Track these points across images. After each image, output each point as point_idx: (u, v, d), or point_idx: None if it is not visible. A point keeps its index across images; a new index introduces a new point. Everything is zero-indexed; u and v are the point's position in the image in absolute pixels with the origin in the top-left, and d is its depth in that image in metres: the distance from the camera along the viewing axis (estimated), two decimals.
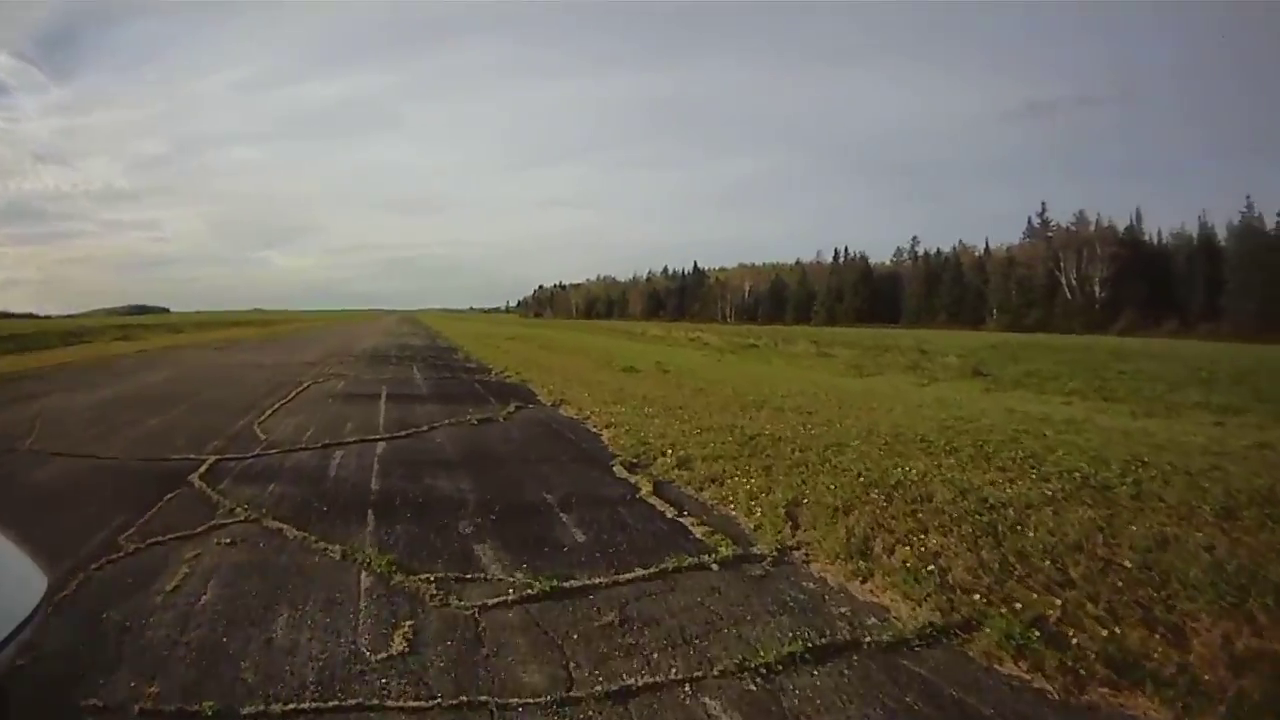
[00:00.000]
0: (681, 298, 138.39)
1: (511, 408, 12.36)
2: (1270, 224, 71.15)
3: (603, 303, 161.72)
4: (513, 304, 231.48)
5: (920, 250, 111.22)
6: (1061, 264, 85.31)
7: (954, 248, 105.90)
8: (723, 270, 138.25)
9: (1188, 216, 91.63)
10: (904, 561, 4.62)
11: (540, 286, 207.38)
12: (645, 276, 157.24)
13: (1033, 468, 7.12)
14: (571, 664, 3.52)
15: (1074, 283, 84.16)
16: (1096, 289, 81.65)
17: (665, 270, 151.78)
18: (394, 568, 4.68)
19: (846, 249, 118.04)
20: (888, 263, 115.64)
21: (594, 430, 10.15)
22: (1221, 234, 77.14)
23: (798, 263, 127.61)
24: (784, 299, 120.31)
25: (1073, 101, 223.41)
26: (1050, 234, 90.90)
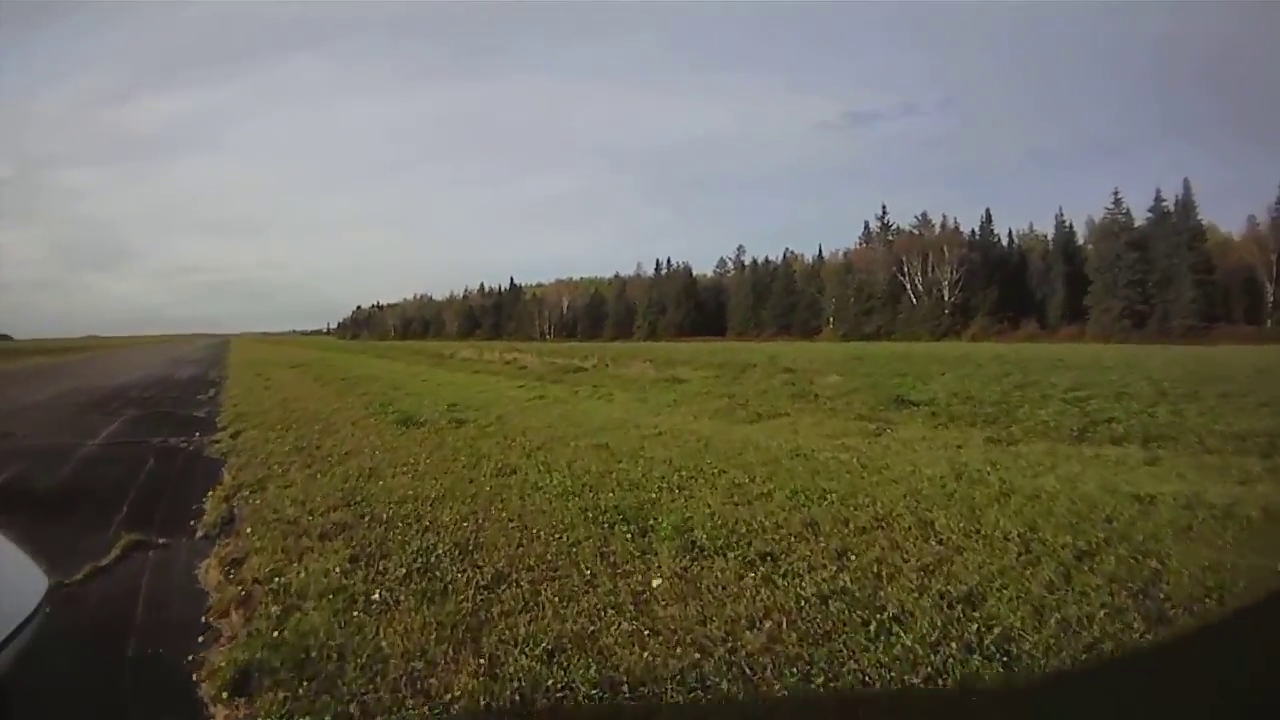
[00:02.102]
0: (498, 315, 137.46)
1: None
2: (1140, 219, 72.51)
3: (419, 322, 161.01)
4: (334, 325, 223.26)
5: (746, 260, 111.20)
6: (906, 268, 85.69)
7: (783, 255, 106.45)
8: (540, 286, 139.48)
9: (1035, 219, 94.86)
10: None
11: (359, 307, 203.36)
12: (462, 294, 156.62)
13: None
14: None
15: (920, 287, 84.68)
16: (945, 293, 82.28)
17: (481, 288, 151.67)
18: None
19: (669, 260, 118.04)
20: (710, 274, 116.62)
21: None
22: (1082, 233, 79.64)
23: (616, 276, 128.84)
24: (603, 314, 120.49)
25: (896, 111, 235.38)
26: (891, 238, 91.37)
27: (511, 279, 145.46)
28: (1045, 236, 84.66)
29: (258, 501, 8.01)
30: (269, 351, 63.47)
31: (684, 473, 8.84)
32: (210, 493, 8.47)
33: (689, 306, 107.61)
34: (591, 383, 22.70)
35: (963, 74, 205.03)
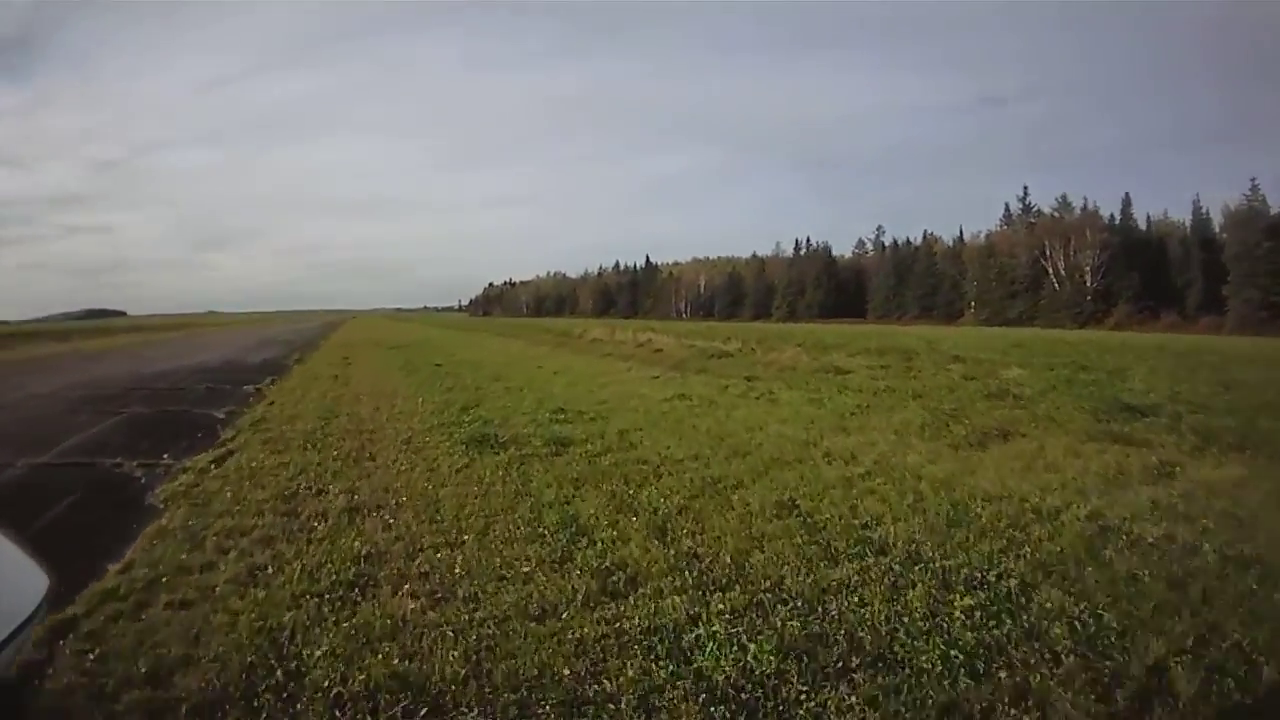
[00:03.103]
0: (634, 293, 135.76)
1: None
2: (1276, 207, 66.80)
3: (552, 300, 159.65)
4: (465, 302, 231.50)
5: (885, 240, 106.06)
6: (1048, 252, 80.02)
7: (923, 236, 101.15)
8: (676, 265, 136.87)
9: (1170, 205, 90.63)
10: None
11: (490, 284, 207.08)
12: (597, 272, 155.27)
13: None
14: None
15: (1062, 272, 79.04)
16: (1087, 279, 76.72)
17: (616, 265, 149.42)
18: None
19: (809, 240, 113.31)
20: (848, 254, 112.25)
21: None
22: (1217, 221, 73.88)
23: (754, 256, 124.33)
24: (741, 294, 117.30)
25: (1031, 93, 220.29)
26: (1032, 220, 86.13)
27: (647, 257, 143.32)
28: (1182, 224, 78.57)
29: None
30: (381, 330, 61.06)
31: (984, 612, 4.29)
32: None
33: (829, 287, 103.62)
34: (743, 374, 17.65)
35: (1101, 57, 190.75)
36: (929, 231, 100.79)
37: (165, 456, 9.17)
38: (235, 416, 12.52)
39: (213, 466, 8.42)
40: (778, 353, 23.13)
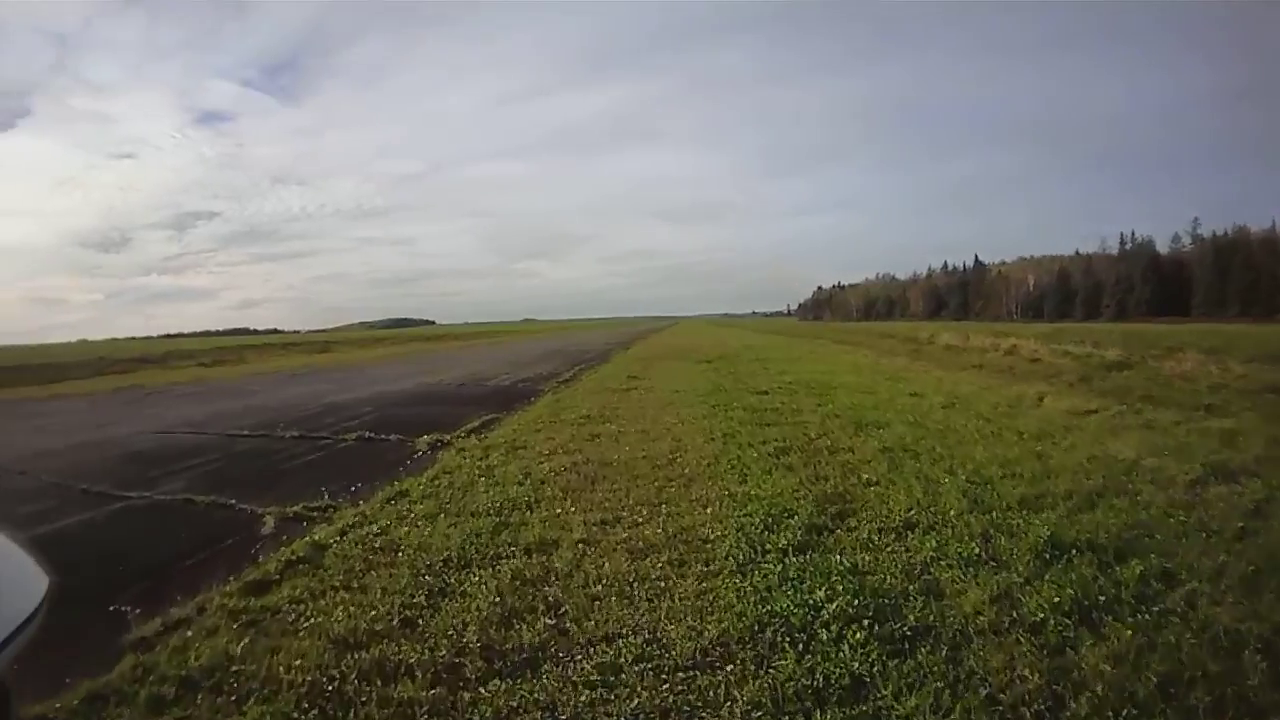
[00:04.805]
0: (964, 294, 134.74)
1: None
2: None
3: (882, 302, 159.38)
4: (793, 306, 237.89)
5: (1204, 232, 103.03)
6: None
7: (1236, 229, 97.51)
8: (1003, 264, 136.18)
9: None
10: None
11: (819, 288, 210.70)
12: (926, 273, 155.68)
13: None
14: None
15: None
16: None
17: (945, 266, 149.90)
18: None
19: (1133, 234, 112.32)
20: (1163, 249, 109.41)
21: None
22: None
23: (1077, 253, 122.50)
24: (1071, 292, 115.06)
25: None
26: None
27: (976, 257, 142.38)
28: None
29: None
30: (699, 337, 53.79)
31: None
32: None
33: (1154, 283, 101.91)
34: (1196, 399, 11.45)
35: None
36: (1235, 224, 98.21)
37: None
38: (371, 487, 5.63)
39: None
40: (1174, 362, 18.50)
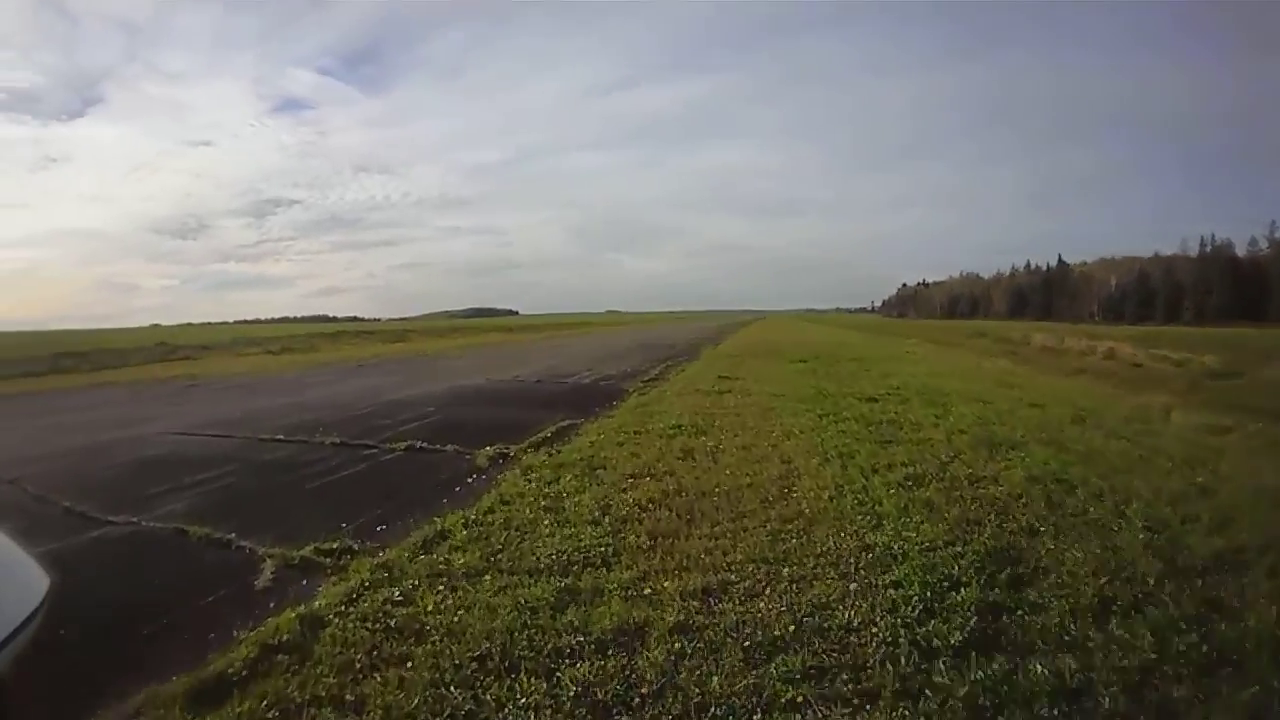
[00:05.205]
0: (1047, 294, 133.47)
1: None
2: None
3: (965, 300, 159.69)
4: (877, 303, 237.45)
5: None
6: None
7: None
8: (1083, 264, 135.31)
9: None
10: None
11: (903, 285, 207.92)
12: (1009, 272, 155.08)
13: None
14: None
15: None
16: None
17: (1027, 265, 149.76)
18: None
19: (1212, 236, 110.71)
20: (1241, 252, 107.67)
21: None
22: None
23: (1156, 255, 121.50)
24: (1151, 293, 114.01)
25: None
26: None
27: (1059, 256, 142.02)
28: None
29: None
30: (788, 332, 50.95)
31: None
32: None
33: (1231, 286, 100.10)
34: None
35: None
36: None
37: None
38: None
39: None
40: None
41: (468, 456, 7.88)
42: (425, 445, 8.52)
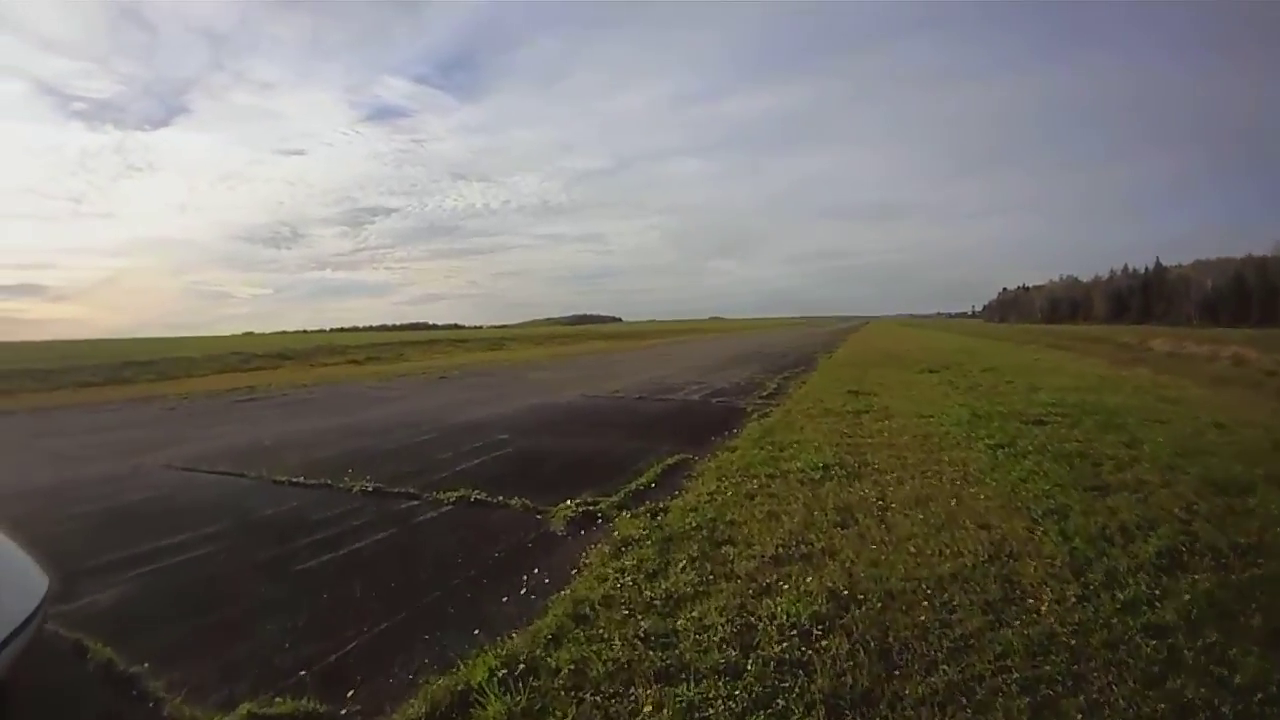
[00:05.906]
0: (1145, 296, 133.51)
1: None
2: None
3: (1065, 304, 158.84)
4: (978, 307, 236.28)
5: None
6: None
7: None
8: (1179, 266, 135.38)
9: None
10: None
11: (1004, 289, 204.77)
12: (1108, 275, 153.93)
13: None
14: None
15: None
16: None
17: (1126, 268, 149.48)
18: None
19: None
20: None
21: None
22: None
23: (1249, 256, 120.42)
24: (1246, 295, 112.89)
25: None
26: None
27: (1157, 259, 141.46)
28: None
29: None
30: (899, 340, 45.86)
31: None
32: None
33: None
34: None
35: None
36: None
37: None
38: None
39: None
40: None
41: (539, 516, 5.69)
42: (483, 497, 6.22)
